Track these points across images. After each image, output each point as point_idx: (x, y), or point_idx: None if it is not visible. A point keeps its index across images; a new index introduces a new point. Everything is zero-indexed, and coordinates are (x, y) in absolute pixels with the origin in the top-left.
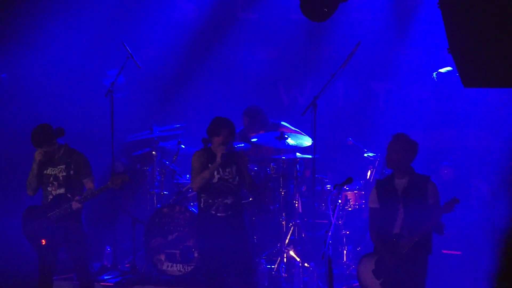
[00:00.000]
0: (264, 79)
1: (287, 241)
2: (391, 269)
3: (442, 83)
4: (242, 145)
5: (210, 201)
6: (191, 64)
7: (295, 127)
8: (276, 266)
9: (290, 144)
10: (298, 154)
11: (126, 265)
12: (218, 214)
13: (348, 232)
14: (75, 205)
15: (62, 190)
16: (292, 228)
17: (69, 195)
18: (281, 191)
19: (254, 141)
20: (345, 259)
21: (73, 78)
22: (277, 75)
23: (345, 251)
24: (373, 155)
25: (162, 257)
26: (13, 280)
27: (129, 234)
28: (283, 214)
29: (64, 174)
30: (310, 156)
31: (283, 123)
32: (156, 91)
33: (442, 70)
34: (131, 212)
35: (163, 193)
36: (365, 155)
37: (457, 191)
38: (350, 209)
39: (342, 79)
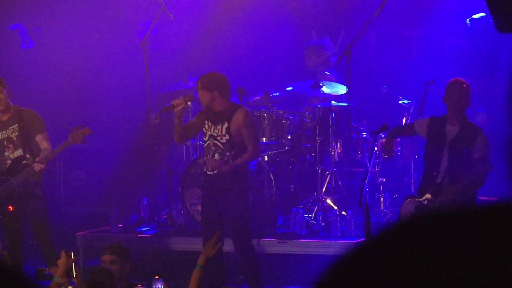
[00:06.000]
0: (297, 27)
1: (323, 190)
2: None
3: (476, 29)
4: (278, 93)
5: (204, 158)
6: (224, 14)
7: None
8: (313, 215)
9: (325, 92)
10: (333, 102)
11: (163, 217)
12: (208, 172)
13: (384, 180)
14: (37, 166)
15: (19, 152)
16: (328, 177)
17: (28, 156)
18: (317, 140)
19: (289, 90)
20: (382, 207)
21: (107, 30)
22: (310, 24)
23: (382, 199)
24: (408, 102)
25: (199, 208)
26: None
27: (165, 186)
28: (319, 162)
29: (18, 133)
30: (345, 104)
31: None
32: (190, 42)
33: (476, 16)
34: (167, 163)
35: (199, 143)
36: (400, 102)
37: (493, 136)
38: (386, 156)
39: (375, 27)
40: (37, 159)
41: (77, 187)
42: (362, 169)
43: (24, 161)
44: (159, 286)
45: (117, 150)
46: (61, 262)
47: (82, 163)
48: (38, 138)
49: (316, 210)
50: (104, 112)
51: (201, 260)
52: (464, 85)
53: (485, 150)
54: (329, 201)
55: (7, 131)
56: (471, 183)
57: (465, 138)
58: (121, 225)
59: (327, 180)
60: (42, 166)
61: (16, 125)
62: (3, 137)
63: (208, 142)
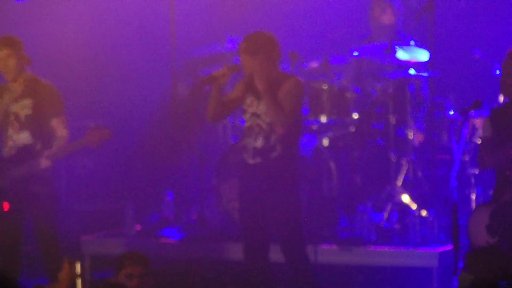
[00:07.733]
0: None
1: (399, 183)
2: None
3: None
4: (341, 60)
5: (243, 142)
6: None
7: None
8: (386, 215)
9: (402, 58)
10: (411, 71)
11: (193, 217)
12: (248, 161)
13: (477, 171)
14: (44, 163)
15: (25, 136)
16: (405, 167)
17: (37, 146)
18: (391, 119)
19: (355, 55)
20: (474, 205)
21: None
22: None
23: (473, 196)
24: None
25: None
26: None
27: (196, 177)
28: (394, 148)
29: (29, 112)
30: (427, 74)
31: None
32: None
33: None
34: (199, 147)
35: (238, 123)
36: (498, 71)
37: None
38: (479, 141)
39: None
40: (46, 153)
41: (83, 178)
42: (448, 157)
43: (31, 154)
44: None
45: (133, 131)
46: (63, 275)
47: (88, 148)
48: (54, 122)
49: (390, 209)
50: (118, 81)
51: None
52: None
53: None
54: (406, 198)
55: (17, 105)
56: None
57: None
58: (139, 226)
59: (404, 170)
60: (50, 163)
61: (30, 101)
62: (9, 111)
63: (250, 122)
